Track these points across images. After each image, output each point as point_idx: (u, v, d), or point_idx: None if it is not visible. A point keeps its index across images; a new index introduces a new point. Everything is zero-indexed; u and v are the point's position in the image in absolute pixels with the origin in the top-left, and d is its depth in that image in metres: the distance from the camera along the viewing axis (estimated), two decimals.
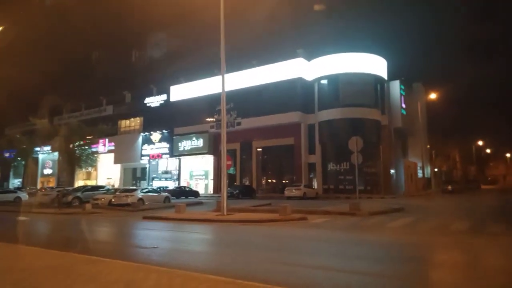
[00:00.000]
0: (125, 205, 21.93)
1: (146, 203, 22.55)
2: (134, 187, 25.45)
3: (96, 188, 28.20)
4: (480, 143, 71.10)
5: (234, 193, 31.02)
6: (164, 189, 29.72)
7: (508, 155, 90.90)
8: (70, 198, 24.36)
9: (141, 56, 60.73)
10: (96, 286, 4.55)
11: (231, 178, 39.68)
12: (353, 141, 16.26)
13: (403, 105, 37.72)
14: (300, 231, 11.23)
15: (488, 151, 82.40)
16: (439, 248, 8.19)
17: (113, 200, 22.50)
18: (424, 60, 73.29)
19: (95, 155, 25.51)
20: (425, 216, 14.56)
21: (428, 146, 43.87)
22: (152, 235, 11.56)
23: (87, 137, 23.42)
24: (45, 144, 50.94)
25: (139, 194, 22.66)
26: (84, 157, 22.88)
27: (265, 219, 13.53)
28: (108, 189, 27.60)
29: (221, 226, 13.15)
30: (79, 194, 25.32)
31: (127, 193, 22.46)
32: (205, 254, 8.36)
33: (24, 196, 35.89)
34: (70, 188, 30.96)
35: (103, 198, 23.38)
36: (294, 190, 28.77)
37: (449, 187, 33.72)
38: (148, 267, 5.55)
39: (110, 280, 4.76)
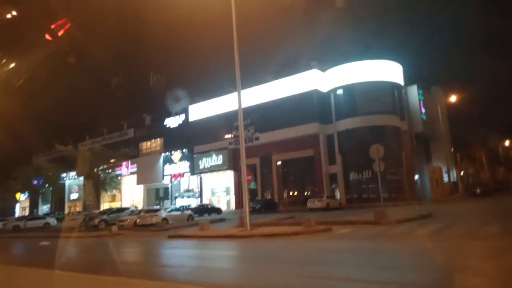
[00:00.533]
0: (150, 225, 22.23)
1: (170, 222, 22.78)
2: (158, 207, 25.82)
3: (121, 210, 28.79)
4: (507, 143, 68.60)
5: (256, 208, 30.96)
6: (187, 208, 29.99)
7: None
8: (96, 221, 24.89)
9: (158, 78, 62.43)
10: None
11: (253, 193, 39.66)
12: (374, 149, 16.08)
13: (423, 110, 37.07)
14: (325, 242, 11.10)
15: None
16: (469, 254, 7.93)
17: (138, 221, 22.85)
18: (441, 63, 72.13)
19: (119, 177, 26.10)
20: (454, 221, 14.11)
21: (452, 150, 42.73)
22: (178, 254, 11.67)
23: (111, 160, 24.07)
24: (71, 170, 52.53)
25: (163, 214, 22.93)
26: (108, 180, 23.48)
27: (289, 232, 13.45)
28: (133, 211, 28.08)
29: (245, 241, 13.13)
30: (105, 216, 25.86)
31: (151, 214, 22.79)
32: (231, 271, 8.34)
33: (53, 221, 36.96)
34: (96, 211, 31.70)
35: (128, 220, 23.79)
36: (316, 202, 28.49)
37: (478, 190, 32.55)
38: (176, 285, 5.62)
39: None
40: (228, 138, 40.98)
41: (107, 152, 23.75)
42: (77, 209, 60.60)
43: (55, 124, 62.21)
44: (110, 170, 23.71)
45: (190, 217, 24.84)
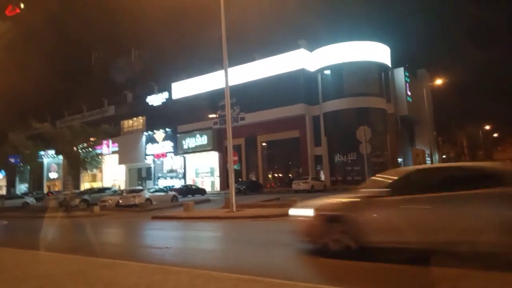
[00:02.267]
0: (133, 205, 21.71)
1: (154, 203, 22.31)
2: (141, 188, 25.27)
3: (102, 190, 28.06)
4: (487, 127, 70.17)
5: (241, 189, 30.69)
6: (170, 188, 29.50)
7: None
8: (77, 201, 24.15)
9: (140, 54, 60.37)
10: None
11: (237, 174, 39.29)
12: (361, 130, 15.88)
13: (409, 93, 37.20)
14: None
15: (495, 135, 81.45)
16: None
17: (120, 201, 22.28)
18: (428, 46, 72.19)
19: (100, 156, 25.23)
20: None
21: (435, 133, 43.30)
22: (163, 235, 11.28)
23: (91, 138, 23.18)
24: (49, 148, 50.91)
25: (147, 194, 22.41)
26: (89, 159, 22.64)
27: (275, 214, 13.20)
28: (115, 191, 27.42)
29: (231, 223, 12.86)
30: (86, 196, 25.14)
31: (134, 194, 22.23)
32: (220, 252, 8.06)
33: (31, 201, 35.95)
34: (77, 191, 30.86)
35: (110, 200, 23.18)
36: (301, 183, 28.44)
37: None
38: (166, 268, 5.29)
39: (129, 284, 4.54)
40: (212, 118, 40.26)
41: (87, 129, 22.82)
42: (56, 188, 59.19)
43: (33, 100, 59.82)
44: (90, 149, 22.83)
45: (174, 198, 24.40)
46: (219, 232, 11.20)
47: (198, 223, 13.59)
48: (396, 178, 6.06)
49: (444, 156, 50.41)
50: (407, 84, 37.04)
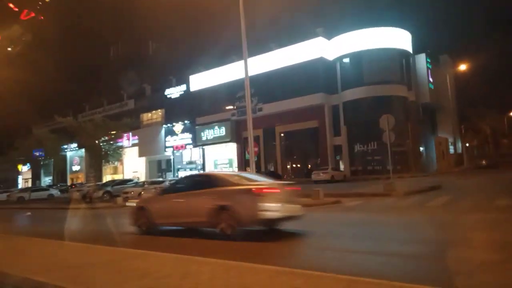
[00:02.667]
0: None
1: None
2: (162, 179, 25.61)
3: (124, 182, 28.62)
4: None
5: None
6: None
7: None
8: (100, 193, 24.73)
9: (158, 47, 60.77)
10: (150, 281, 4.28)
11: (256, 164, 39.44)
12: (384, 119, 15.51)
13: (430, 79, 36.15)
14: (337, 215, 10.79)
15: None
16: (483, 227, 7.56)
17: (142, 193, 22.63)
18: (450, 31, 69.77)
19: (120, 149, 25.62)
20: (464, 193, 13.81)
21: (458, 121, 42.12)
22: None
23: (112, 132, 23.58)
24: (72, 142, 52.17)
25: (165, 186, 22.68)
26: (111, 152, 23.03)
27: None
28: (137, 182, 27.90)
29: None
30: (108, 188, 25.69)
31: (156, 185, 22.54)
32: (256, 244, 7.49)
33: (56, 193, 37.14)
34: (100, 183, 31.60)
35: (132, 191, 23.58)
36: (321, 174, 28.25)
37: (483, 162, 32.31)
38: (200, 259, 5.27)
39: (164, 275, 4.52)
40: (231, 109, 40.26)
41: (108, 123, 23.19)
42: (79, 180, 60.81)
43: (55, 95, 61.31)
44: (111, 142, 23.21)
45: None
46: None
47: None
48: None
49: (467, 144, 48.98)
50: (429, 71, 35.99)
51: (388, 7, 42.22)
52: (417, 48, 35.22)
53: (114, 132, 25.24)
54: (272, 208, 7.22)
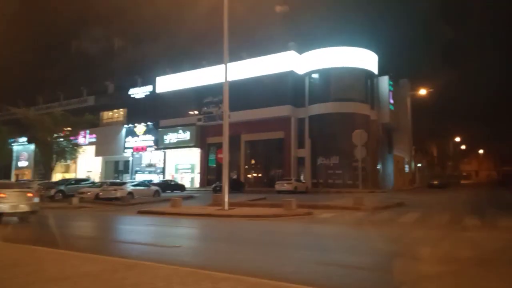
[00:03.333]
0: (114, 199, 21.01)
1: (136, 197, 21.68)
2: (122, 181, 24.46)
3: (79, 181, 27.00)
4: (458, 139, 73.00)
5: None
6: (150, 182, 28.79)
7: (480, 151, 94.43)
8: (53, 191, 23.13)
9: (123, 45, 58.78)
10: None
11: (218, 171, 39.03)
12: (357, 134, 15.99)
13: (391, 101, 37.99)
14: (313, 226, 10.85)
15: (463, 147, 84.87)
16: (473, 245, 7.95)
17: (100, 194, 21.50)
18: (410, 57, 74.00)
19: (78, 147, 24.13)
20: (429, 210, 14.50)
21: (411, 142, 44.51)
22: (162, 232, 10.90)
23: (69, 128, 22.13)
24: (25, 135, 48.68)
25: (129, 188, 21.74)
26: (69, 149, 21.50)
27: (270, 214, 13.10)
28: (94, 183, 26.47)
29: (226, 221, 12.63)
30: (62, 187, 24.11)
31: (116, 187, 21.50)
32: (239, 253, 7.18)
33: None
34: (52, 181, 29.61)
35: (89, 192, 22.34)
36: (285, 184, 28.47)
37: (435, 182, 34.39)
38: (193, 271, 4.83)
39: None
40: (196, 114, 39.70)
41: (69, 117, 21.79)
42: (25, 177, 56.65)
43: (4, 82, 56.99)
44: (65, 139, 21.72)
45: (156, 192, 23.84)
46: (219, 231, 10.78)
47: (190, 220, 13.27)
48: None
49: (419, 165, 51.93)
50: (391, 93, 37.85)
51: (357, 28, 44.10)
52: (381, 70, 36.98)
53: (70, 128, 23.73)
54: None
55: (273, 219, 12.56)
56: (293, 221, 11.98)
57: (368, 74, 34.88)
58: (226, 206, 14.41)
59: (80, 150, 24.00)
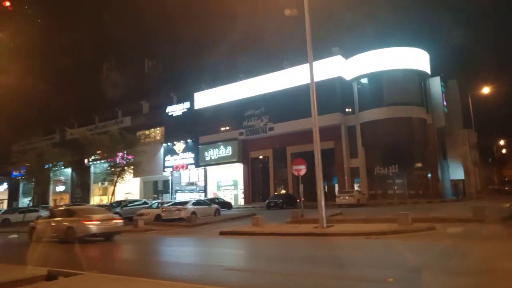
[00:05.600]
0: (176, 220, 19.55)
1: (198, 216, 20.15)
2: (186, 200, 23.06)
3: (131, 202, 25.82)
4: (502, 142, 69.10)
5: (278, 202, 28.69)
6: (211, 200, 27.34)
7: None
8: None
9: (154, 65, 58.85)
10: None
11: (265, 187, 37.37)
12: (464, 134, 13.96)
13: (445, 103, 35.69)
14: (464, 245, 8.86)
15: (503, 151, 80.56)
16: None
17: (163, 214, 20.08)
18: (459, 57, 70.05)
19: (136, 165, 22.89)
20: None
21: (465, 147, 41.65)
22: (273, 255, 9.13)
23: (132, 146, 21.05)
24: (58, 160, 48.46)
25: (192, 207, 20.24)
26: (132, 168, 20.17)
27: (387, 231, 11.20)
28: (145, 203, 25.21)
29: (342, 241, 10.72)
30: (118, 209, 22.87)
31: (179, 207, 20.04)
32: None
33: (46, 214, 33.43)
34: (104, 204, 28.61)
35: (149, 213, 20.96)
36: (347, 197, 26.47)
37: (506, 188, 31.70)
38: None
39: None
40: (238, 129, 38.38)
41: (126, 135, 20.71)
42: (63, 202, 56.47)
43: (38, 110, 57.63)
44: (129, 158, 20.56)
45: (217, 211, 22.29)
46: (339, 253, 8.85)
47: (295, 241, 11.47)
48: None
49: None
50: (443, 94, 35.60)
51: (404, 28, 42.04)
52: (431, 71, 34.89)
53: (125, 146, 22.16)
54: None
55: (392, 236, 10.66)
56: (423, 238, 10.05)
57: (421, 75, 32.85)
58: (325, 224, 12.63)
59: (140, 166, 22.60)
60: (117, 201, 24.60)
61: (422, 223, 11.79)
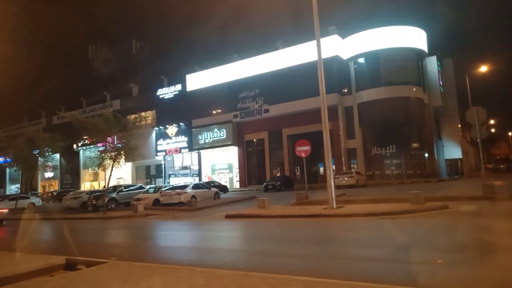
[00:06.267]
0: (176, 204, 19.07)
1: (198, 200, 19.69)
2: (185, 184, 22.52)
3: (127, 187, 25.21)
4: (492, 121, 69.86)
5: (276, 185, 28.39)
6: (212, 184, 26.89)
7: (510, 134, 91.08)
8: (106, 200, 21.24)
9: (142, 46, 57.12)
10: None
11: (261, 170, 37.01)
12: (473, 112, 13.68)
13: (441, 82, 35.51)
14: (484, 223, 8.58)
15: (492, 130, 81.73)
16: None
17: (162, 199, 19.56)
18: (455, 36, 69.00)
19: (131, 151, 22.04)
20: None
21: (459, 126, 41.79)
22: (314, 238, 8.48)
23: (127, 128, 20.28)
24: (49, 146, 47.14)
25: (192, 191, 19.75)
26: (130, 151, 19.39)
27: (399, 211, 10.90)
28: (149, 188, 24.62)
29: (357, 222, 10.38)
30: (114, 195, 22.27)
31: (179, 191, 19.52)
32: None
33: (38, 201, 32.60)
34: (99, 189, 27.87)
35: (146, 198, 20.41)
36: (346, 178, 26.27)
37: (501, 166, 32.04)
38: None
39: None
40: (232, 111, 37.66)
41: (120, 118, 19.93)
42: (53, 188, 55.35)
43: (24, 95, 55.77)
44: (124, 141, 19.78)
45: (216, 194, 21.86)
46: (391, 235, 7.99)
47: (306, 223, 11.10)
48: None
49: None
50: (439, 74, 35.37)
51: (400, 6, 41.23)
52: (428, 50, 34.50)
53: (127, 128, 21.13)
54: None
55: (407, 216, 10.38)
56: (440, 217, 9.77)
57: (419, 54, 32.44)
58: (334, 205, 12.30)
59: (124, 154, 21.67)
60: (112, 186, 23.92)
61: (434, 202, 11.54)
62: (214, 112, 39.14)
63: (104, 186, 22.89)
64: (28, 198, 31.48)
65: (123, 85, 48.62)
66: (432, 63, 34.99)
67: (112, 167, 19.27)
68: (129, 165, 46.20)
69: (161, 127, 42.47)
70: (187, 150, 40.62)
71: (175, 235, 10.93)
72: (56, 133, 25.59)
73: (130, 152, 19.14)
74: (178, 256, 7.05)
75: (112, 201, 21.71)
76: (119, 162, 19.63)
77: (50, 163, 54.24)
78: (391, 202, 12.77)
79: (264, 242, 8.38)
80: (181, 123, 40.89)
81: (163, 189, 21.50)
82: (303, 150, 17.37)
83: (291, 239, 8.61)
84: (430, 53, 34.72)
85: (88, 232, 12.92)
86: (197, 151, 40.22)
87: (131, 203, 20.60)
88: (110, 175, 19.63)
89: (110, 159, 19.71)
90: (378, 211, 11.14)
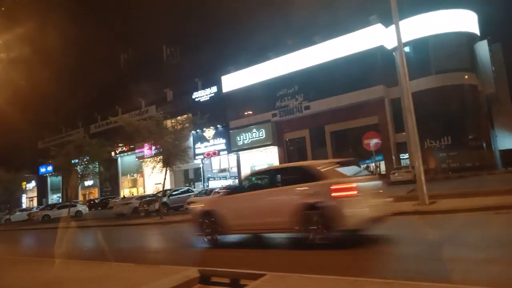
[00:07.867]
0: None
1: None
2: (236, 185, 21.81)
3: (176, 191, 24.74)
4: None
5: None
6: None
7: None
8: (157, 205, 20.78)
9: (173, 52, 57.35)
10: None
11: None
12: None
13: (493, 68, 33.21)
14: None
15: None
16: None
17: None
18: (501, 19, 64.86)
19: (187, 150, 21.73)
20: None
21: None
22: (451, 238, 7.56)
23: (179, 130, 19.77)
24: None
25: None
26: (182, 154, 18.98)
27: (508, 205, 9.50)
28: (190, 190, 24.06)
29: (463, 218, 9.12)
30: (165, 199, 21.77)
31: None
32: None
33: (84, 209, 32.91)
34: (149, 194, 27.71)
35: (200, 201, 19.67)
36: (403, 173, 24.72)
37: None
38: None
39: None
40: (271, 110, 36.76)
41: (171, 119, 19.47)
42: (93, 196, 56.35)
43: (61, 107, 57.13)
44: (177, 143, 19.29)
45: None
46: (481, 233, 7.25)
47: (401, 221, 9.89)
48: None
49: None
50: (491, 59, 33.09)
51: None
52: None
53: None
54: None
55: (493, 212, 9.02)
56: None
57: (470, 38, 30.47)
58: (427, 200, 11.05)
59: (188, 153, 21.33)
60: (162, 191, 23.50)
61: None
62: (251, 112, 38.36)
63: (144, 191, 22.45)
64: (75, 206, 31.76)
65: (157, 91, 48.82)
66: (483, 48, 32.80)
67: (166, 170, 18.71)
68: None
69: (198, 130, 42.10)
70: (225, 152, 40.06)
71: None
72: (101, 139, 25.48)
73: (181, 154, 18.50)
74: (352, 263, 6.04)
75: (163, 206, 21.18)
76: (172, 165, 19.01)
77: (96, 170, 55.54)
78: (481, 196, 11.38)
79: (411, 244, 7.27)
80: (218, 125, 40.38)
81: (216, 190, 20.76)
82: (373, 142, 16.09)
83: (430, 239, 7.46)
84: (481, 37, 32.57)
85: (167, 239, 12.33)
86: (235, 153, 39.54)
87: (184, 207, 19.96)
88: (164, 179, 19.09)
89: (164, 162, 19.29)
90: (480, 205, 9.80)
